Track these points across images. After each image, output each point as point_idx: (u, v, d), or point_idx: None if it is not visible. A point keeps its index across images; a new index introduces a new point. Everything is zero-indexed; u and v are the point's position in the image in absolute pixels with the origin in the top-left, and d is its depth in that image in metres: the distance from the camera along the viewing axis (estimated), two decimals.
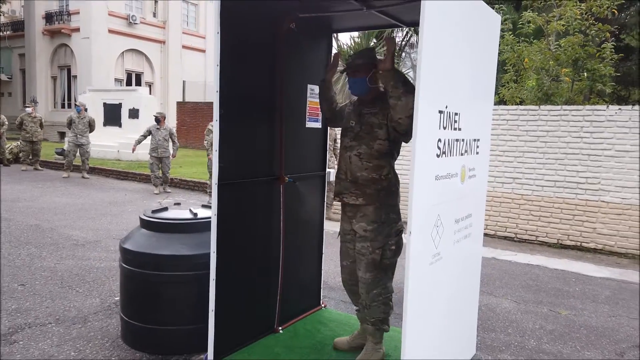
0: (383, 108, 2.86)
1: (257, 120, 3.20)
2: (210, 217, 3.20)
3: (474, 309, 3.20)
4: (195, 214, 3.28)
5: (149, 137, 9.68)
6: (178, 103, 22.62)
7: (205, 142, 8.74)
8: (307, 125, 3.60)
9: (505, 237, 7.20)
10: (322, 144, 3.82)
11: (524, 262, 5.95)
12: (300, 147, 3.57)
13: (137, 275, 3.09)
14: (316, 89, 3.60)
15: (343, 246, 3.11)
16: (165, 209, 3.40)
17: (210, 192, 8.87)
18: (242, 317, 3.17)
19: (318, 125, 3.71)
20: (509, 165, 7.23)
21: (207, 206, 3.55)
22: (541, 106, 7.17)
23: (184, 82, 24.48)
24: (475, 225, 3.03)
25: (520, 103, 8.83)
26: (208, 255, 2.96)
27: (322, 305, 3.92)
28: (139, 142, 9.76)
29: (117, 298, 4.00)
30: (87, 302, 3.88)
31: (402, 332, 2.28)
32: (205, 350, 3.02)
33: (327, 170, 3.84)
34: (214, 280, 2.88)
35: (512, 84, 9.21)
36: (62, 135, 24.25)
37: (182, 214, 3.31)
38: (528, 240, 7.09)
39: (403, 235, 2.92)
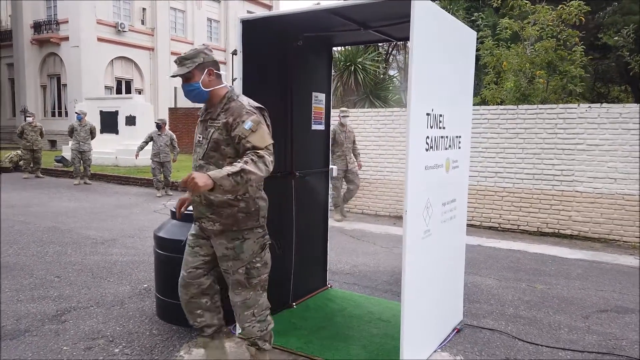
0: (226, 122, 2.53)
1: (271, 124, 3.71)
2: None
3: (460, 280, 3.75)
4: None
5: (151, 143, 10.13)
6: (170, 109, 23.00)
7: None
8: (312, 128, 4.13)
9: (490, 227, 7.79)
10: (326, 144, 4.36)
11: (506, 247, 6.53)
12: (307, 147, 4.09)
13: (171, 259, 3.59)
14: (320, 95, 4.15)
15: (189, 252, 2.85)
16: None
17: None
18: None
19: (322, 127, 4.25)
20: (492, 161, 7.83)
21: None
22: (519, 106, 7.78)
23: (175, 88, 24.86)
24: (459, 209, 3.59)
25: (501, 103, 9.46)
26: None
27: (329, 286, 4.46)
28: (141, 148, 10.19)
29: (146, 285, 4.49)
30: (120, 289, 4.36)
31: (401, 296, 2.81)
32: (230, 322, 3.53)
33: (331, 166, 4.37)
34: None
35: (492, 86, 9.85)
36: (53, 143, 24.49)
37: None
38: (510, 229, 7.68)
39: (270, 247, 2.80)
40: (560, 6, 8.89)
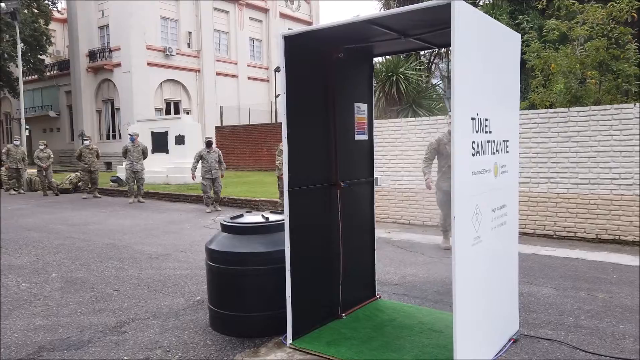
0: None
1: (315, 136, 3.77)
2: (279, 221, 3.79)
3: (514, 288, 3.63)
4: (267, 218, 3.85)
5: (200, 161, 10.45)
6: (216, 127, 23.70)
7: (277, 162, 9.26)
8: (355, 138, 4.15)
9: (544, 235, 7.49)
10: (369, 154, 4.36)
11: (563, 256, 6.25)
12: (351, 157, 4.11)
13: (222, 271, 3.68)
14: (362, 105, 4.17)
15: None
16: (241, 215, 3.99)
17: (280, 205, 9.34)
18: (312, 304, 3.70)
19: (365, 137, 4.26)
20: (543, 166, 7.56)
21: (275, 212, 4.13)
22: (570, 108, 7.50)
23: (221, 107, 25.63)
24: (510, 214, 3.49)
25: (550, 106, 9.14)
26: (281, 251, 3.53)
27: (378, 296, 4.42)
28: (194, 168, 10.53)
29: (199, 297, 4.61)
30: (174, 302, 4.51)
31: (452, 304, 2.75)
32: (281, 333, 3.58)
33: (375, 176, 4.37)
34: (289, 271, 3.44)
35: (541, 89, 9.55)
36: (108, 165, 25.73)
37: (256, 218, 3.90)
38: (567, 236, 7.35)
39: None
40: (609, 4, 8.56)
